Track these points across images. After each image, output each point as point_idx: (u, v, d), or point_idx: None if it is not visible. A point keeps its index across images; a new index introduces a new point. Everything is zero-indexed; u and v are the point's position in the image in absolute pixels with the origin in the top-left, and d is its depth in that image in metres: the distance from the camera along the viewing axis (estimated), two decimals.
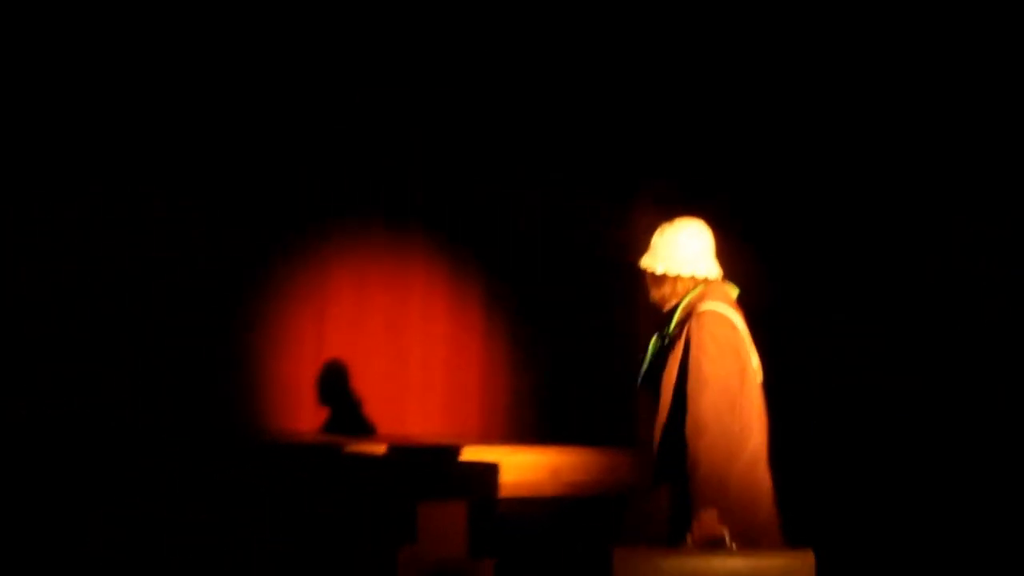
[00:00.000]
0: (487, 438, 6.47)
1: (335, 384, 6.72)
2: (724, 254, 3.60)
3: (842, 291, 6.31)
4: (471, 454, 5.48)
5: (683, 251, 3.52)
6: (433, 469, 5.16)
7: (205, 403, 6.39)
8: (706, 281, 3.50)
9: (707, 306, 3.43)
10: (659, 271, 3.52)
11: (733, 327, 3.41)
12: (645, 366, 3.54)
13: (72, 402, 5.98)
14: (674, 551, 3.16)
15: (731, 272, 3.60)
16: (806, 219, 6.45)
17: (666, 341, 3.49)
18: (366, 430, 6.65)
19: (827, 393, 6.15)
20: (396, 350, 6.99)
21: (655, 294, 3.57)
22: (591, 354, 6.67)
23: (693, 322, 3.41)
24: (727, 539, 3.23)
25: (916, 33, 6.16)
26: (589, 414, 6.56)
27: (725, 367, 3.35)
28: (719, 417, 3.31)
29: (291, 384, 6.73)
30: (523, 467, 5.55)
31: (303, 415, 6.69)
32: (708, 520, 3.24)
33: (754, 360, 3.47)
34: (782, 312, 5.69)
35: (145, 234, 6.31)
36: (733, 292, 3.56)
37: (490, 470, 5.21)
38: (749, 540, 3.25)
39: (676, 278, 3.52)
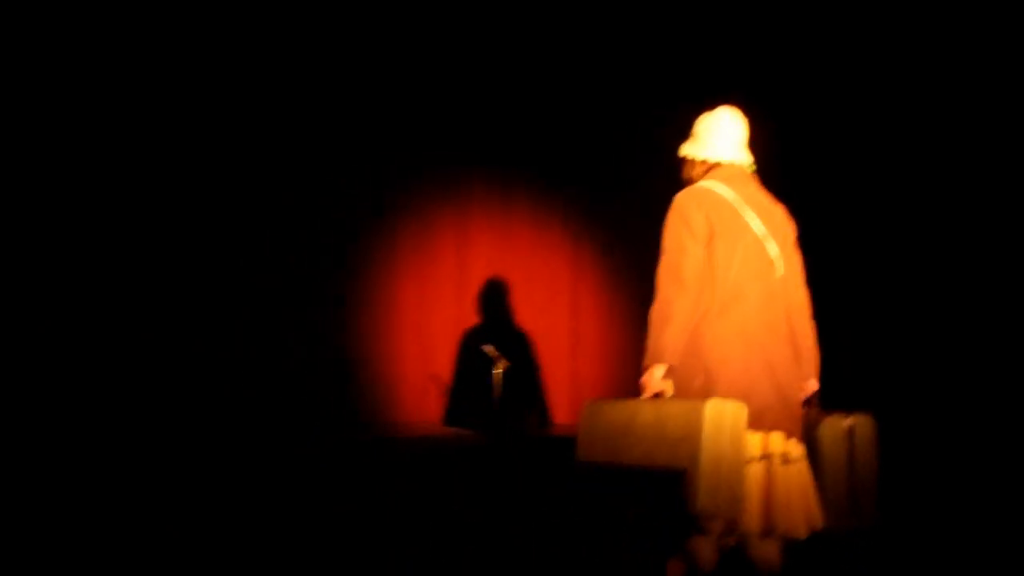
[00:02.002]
0: None
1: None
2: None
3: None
4: None
5: (710, 137, 3.83)
6: None
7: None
8: (716, 164, 3.83)
9: (694, 186, 3.79)
10: (686, 155, 3.89)
11: (705, 201, 3.69)
12: None
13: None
14: (617, 401, 3.64)
15: None
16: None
17: None
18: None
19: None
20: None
21: (684, 176, 3.91)
22: None
23: (674, 199, 3.75)
24: (668, 393, 3.60)
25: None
26: None
27: (677, 238, 3.64)
28: (670, 284, 3.62)
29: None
30: None
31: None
32: (650, 375, 3.60)
33: (751, 228, 3.72)
34: None
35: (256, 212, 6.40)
36: (747, 169, 3.85)
37: None
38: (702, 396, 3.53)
39: (693, 161, 3.87)
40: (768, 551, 3.64)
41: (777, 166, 4.51)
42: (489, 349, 6.31)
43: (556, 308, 7.25)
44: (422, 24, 6.74)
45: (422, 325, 6.84)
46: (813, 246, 4.15)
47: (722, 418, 3.40)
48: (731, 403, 3.44)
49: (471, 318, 6.93)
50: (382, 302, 6.81)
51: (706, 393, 3.55)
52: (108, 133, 6.00)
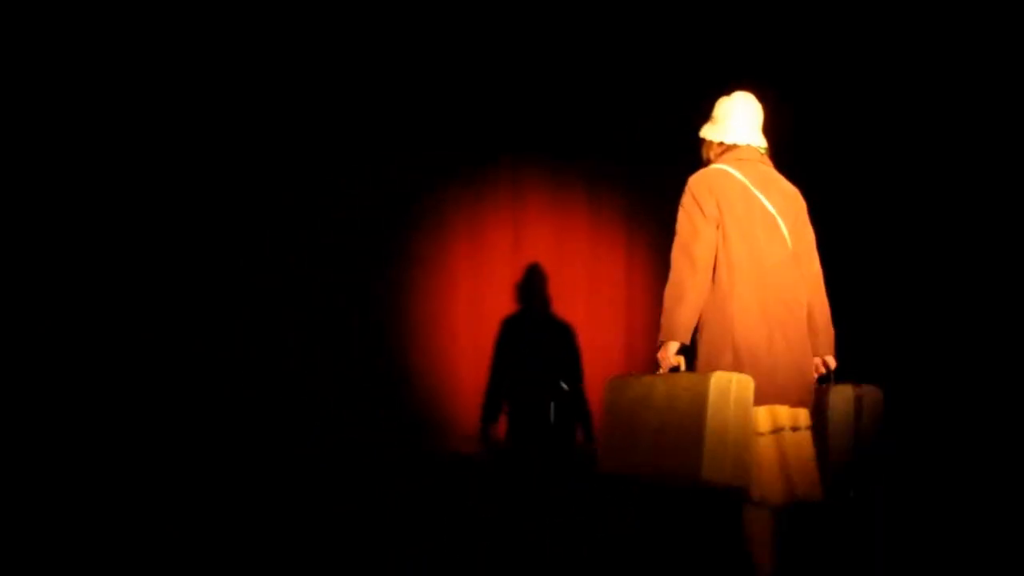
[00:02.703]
0: None
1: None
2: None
3: None
4: None
5: (727, 120, 3.99)
6: None
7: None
8: (731, 146, 3.98)
9: (702, 170, 3.94)
10: (704, 137, 4.04)
11: (716, 182, 3.85)
12: None
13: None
14: (638, 376, 3.85)
15: None
16: None
17: None
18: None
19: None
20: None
21: (702, 156, 4.05)
22: None
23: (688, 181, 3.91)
24: (682, 368, 3.77)
25: None
26: None
27: (689, 217, 3.81)
28: (682, 262, 3.77)
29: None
30: None
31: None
32: (665, 351, 3.77)
33: (764, 207, 3.87)
34: None
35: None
36: (761, 151, 4.00)
37: None
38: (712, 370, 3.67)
39: (710, 143, 4.02)
40: (765, 520, 3.78)
41: (792, 148, 4.68)
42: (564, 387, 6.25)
43: (612, 311, 6.97)
44: (474, 16, 6.58)
45: (475, 330, 6.61)
46: (827, 224, 4.30)
47: (727, 390, 3.54)
48: (737, 375, 3.59)
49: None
50: (436, 298, 6.58)
51: (735, 370, 3.68)
52: (127, 134, 5.87)
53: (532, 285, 6.62)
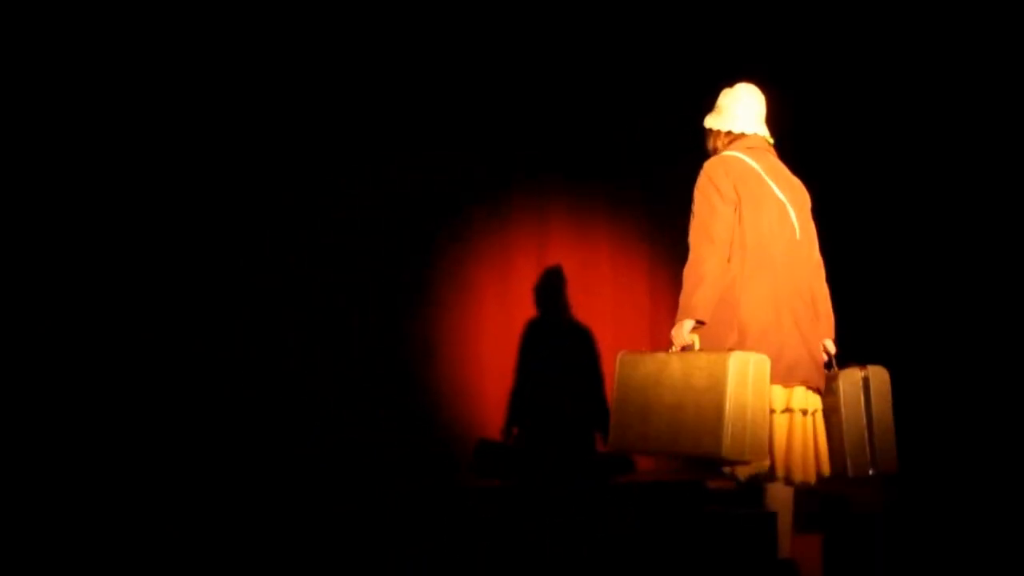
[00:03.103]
0: None
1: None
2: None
3: None
4: None
5: (733, 110, 4.08)
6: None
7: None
8: (740, 136, 4.06)
9: (718, 155, 4.03)
10: (710, 127, 4.12)
11: (732, 168, 3.94)
12: None
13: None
14: (650, 353, 3.96)
15: None
16: None
17: None
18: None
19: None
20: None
21: (708, 147, 4.14)
22: None
23: (702, 167, 4.00)
24: (696, 346, 3.86)
25: None
26: None
27: (709, 203, 3.90)
28: (702, 245, 3.88)
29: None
30: None
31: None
32: (680, 329, 3.87)
33: (777, 194, 3.98)
34: None
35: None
36: (767, 141, 4.09)
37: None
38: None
39: (718, 132, 4.10)
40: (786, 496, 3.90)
41: (794, 138, 4.81)
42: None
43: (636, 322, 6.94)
44: (498, 26, 6.56)
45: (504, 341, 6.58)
46: (830, 212, 4.45)
47: (746, 369, 3.66)
48: (754, 354, 3.70)
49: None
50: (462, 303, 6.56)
51: (739, 348, 3.78)
52: (127, 134, 5.81)
53: (553, 290, 6.63)
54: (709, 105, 4.18)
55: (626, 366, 3.94)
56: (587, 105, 6.79)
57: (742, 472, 3.85)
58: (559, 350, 6.46)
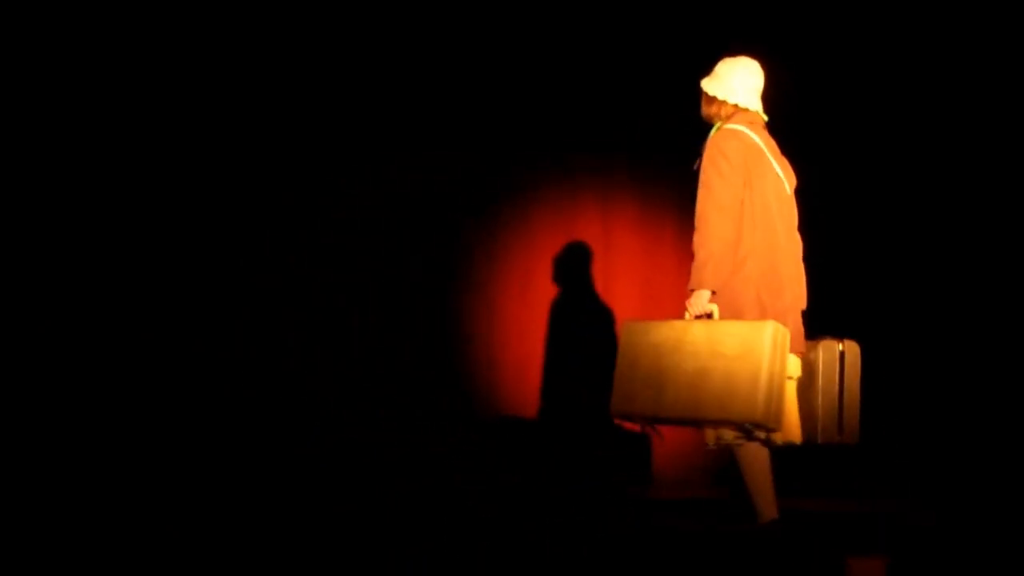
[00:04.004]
0: None
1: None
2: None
3: None
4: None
5: (733, 82, 4.13)
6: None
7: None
8: (743, 110, 4.13)
9: (726, 126, 4.10)
10: (710, 93, 4.16)
11: (743, 142, 4.04)
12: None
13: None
14: (662, 321, 4.05)
15: None
16: None
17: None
18: None
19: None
20: None
21: (704, 111, 4.21)
22: None
23: (710, 140, 4.09)
24: (715, 315, 3.95)
25: None
26: None
27: (724, 175, 3.97)
28: (715, 216, 3.95)
29: None
30: None
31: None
32: (698, 298, 3.97)
33: (777, 171, 4.11)
34: None
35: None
36: (763, 119, 4.18)
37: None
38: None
39: (722, 102, 4.15)
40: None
41: (792, 117, 4.98)
42: None
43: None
44: (498, 26, 6.49)
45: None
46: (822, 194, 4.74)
47: (777, 339, 3.81)
48: (781, 326, 3.85)
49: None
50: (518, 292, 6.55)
51: (761, 319, 3.92)
52: (127, 134, 5.84)
53: (579, 277, 6.59)
54: (707, 69, 4.24)
55: (634, 334, 4.03)
56: (590, 103, 6.72)
57: (778, 438, 3.95)
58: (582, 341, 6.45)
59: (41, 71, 5.68)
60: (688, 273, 4.06)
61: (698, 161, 4.11)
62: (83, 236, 5.73)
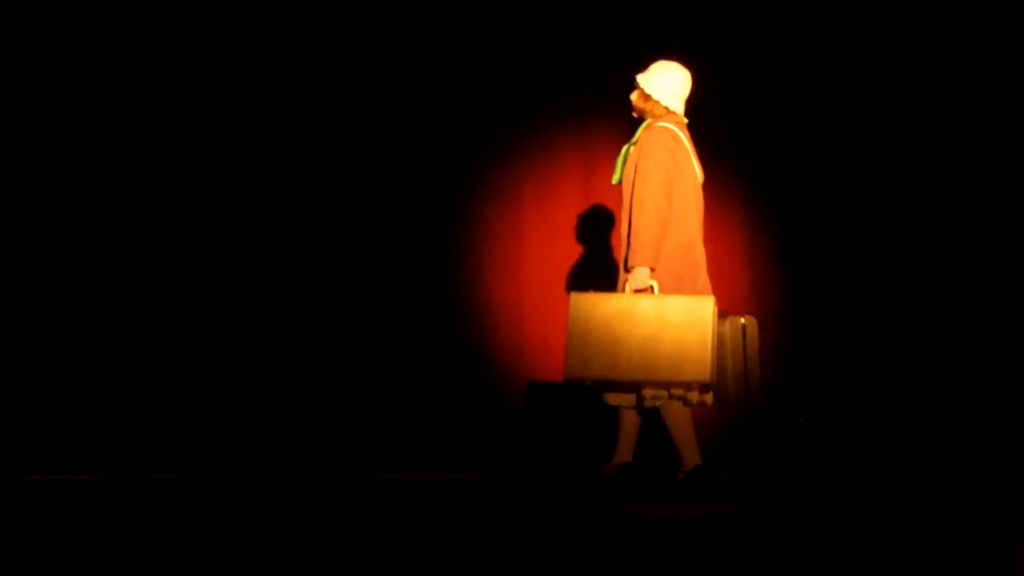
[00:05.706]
0: None
1: None
2: None
3: None
4: None
5: (671, 85, 4.67)
6: None
7: None
8: (673, 112, 4.67)
9: (659, 123, 4.63)
10: (647, 90, 4.68)
11: (675, 138, 4.60)
12: (618, 169, 4.71)
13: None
14: (610, 294, 4.57)
15: None
16: None
17: (630, 149, 4.67)
18: None
19: None
20: None
21: (638, 104, 4.73)
22: None
23: (645, 133, 4.64)
24: (655, 290, 4.48)
25: None
26: None
27: (662, 165, 4.53)
28: (655, 201, 4.51)
29: None
30: None
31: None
32: (640, 274, 4.51)
33: (695, 167, 4.69)
34: None
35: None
36: (684, 120, 4.72)
37: None
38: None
39: (656, 102, 4.68)
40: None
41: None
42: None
43: None
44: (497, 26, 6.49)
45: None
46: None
47: (715, 312, 4.45)
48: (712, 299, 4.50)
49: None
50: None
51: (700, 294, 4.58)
52: (127, 134, 5.95)
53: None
54: (643, 66, 4.73)
55: (584, 304, 4.45)
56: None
57: (694, 397, 4.53)
58: None
59: (41, 71, 5.79)
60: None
61: (635, 150, 4.63)
62: (85, 237, 5.84)
